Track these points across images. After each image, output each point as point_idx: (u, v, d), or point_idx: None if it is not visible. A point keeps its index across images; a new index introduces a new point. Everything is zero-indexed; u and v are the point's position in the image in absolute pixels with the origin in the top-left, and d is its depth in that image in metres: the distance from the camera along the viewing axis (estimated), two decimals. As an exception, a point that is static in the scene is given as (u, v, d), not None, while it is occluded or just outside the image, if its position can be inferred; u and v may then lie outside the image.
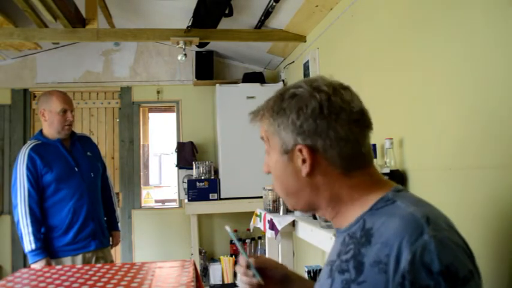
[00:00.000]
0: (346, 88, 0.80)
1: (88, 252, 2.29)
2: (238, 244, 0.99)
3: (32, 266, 2.11)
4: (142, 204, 4.13)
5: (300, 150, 0.77)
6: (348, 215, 0.79)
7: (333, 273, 0.76)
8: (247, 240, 3.87)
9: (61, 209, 2.25)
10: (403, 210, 0.70)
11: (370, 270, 0.68)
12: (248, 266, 0.96)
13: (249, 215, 2.64)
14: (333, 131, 0.75)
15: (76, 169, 2.31)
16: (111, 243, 2.55)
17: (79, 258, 2.26)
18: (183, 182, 3.89)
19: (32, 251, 2.12)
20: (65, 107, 2.29)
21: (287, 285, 1.00)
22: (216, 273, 3.70)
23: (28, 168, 2.18)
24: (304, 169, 0.78)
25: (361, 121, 0.78)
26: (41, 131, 2.34)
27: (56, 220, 2.24)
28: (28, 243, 2.12)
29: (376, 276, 0.66)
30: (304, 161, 0.77)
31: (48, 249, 2.19)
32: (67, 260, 2.23)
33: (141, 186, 4.12)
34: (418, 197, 0.78)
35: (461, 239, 0.69)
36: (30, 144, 2.26)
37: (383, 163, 1.70)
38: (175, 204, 4.22)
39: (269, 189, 2.19)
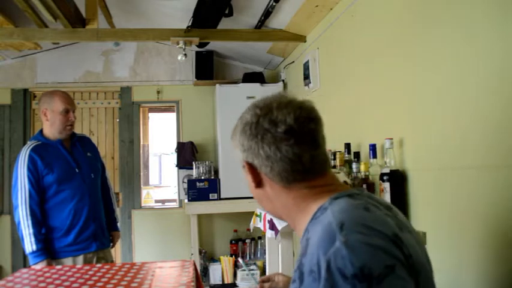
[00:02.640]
0: (286, 107, 0.83)
1: (89, 253, 2.29)
2: (248, 272, 1.20)
3: (33, 267, 2.09)
4: (142, 204, 4.13)
5: (244, 166, 0.88)
6: (302, 226, 0.84)
7: (290, 284, 0.82)
8: (247, 240, 3.87)
9: (62, 210, 2.23)
10: (326, 219, 0.74)
11: (307, 279, 0.72)
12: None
13: (249, 215, 2.64)
14: (262, 151, 0.83)
15: (77, 170, 2.30)
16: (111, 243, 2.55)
17: (80, 258, 2.25)
18: (183, 182, 3.89)
19: (33, 252, 2.11)
20: (67, 107, 2.28)
21: None
22: (216, 273, 3.70)
23: (29, 169, 2.17)
24: (252, 183, 0.88)
25: (291, 139, 0.81)
26: (41, 131, 2.33)
27: (57, 221, 2.23)
28: (29, 244, 2.11)
29: (312, 284, 0.70)
30: (250, 175, 0.87)
31: (49, 250, 2.19)
32: (68, 261, 2.22)
33: (141, 186, 4.12)
34: (357, 200, 0.79)
35: (382, 238, 0.69)
36: (30, 144, 2.24)
37: (383, 163, 1.70)
38: (175, 204, 4.22)
39: (269, 189, 2.19)
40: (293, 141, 0.81)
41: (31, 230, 2.12)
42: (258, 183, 0.88)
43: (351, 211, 0.75)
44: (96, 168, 2.45)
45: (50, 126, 2.28)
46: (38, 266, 2.08)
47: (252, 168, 0.87)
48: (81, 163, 2.34)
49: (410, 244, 0.73)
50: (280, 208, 0.88)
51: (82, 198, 2.29)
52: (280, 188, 0.85)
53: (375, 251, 0.67)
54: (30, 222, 2.13)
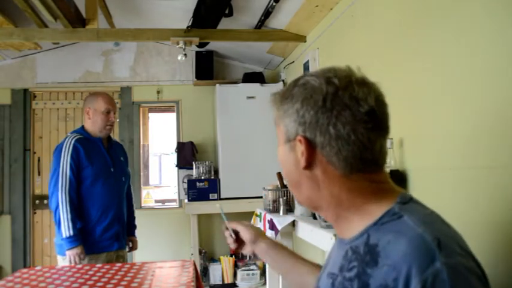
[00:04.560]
0: (365, 84, 0.73)
1: (110, 252, 2.33)
2: (223, 215, 1.25)
3: (67, 252, 2.13)
4: (142, 204, 4.13)
5: (300, 141, 0.74)
6: (351, 225, 0.75)
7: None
8: (247, 240, 3.86)
9: (92, 205, 2.28)
10: (412, 230, 0.65)
11: None
12: (227, 228, 1.16)
13: (249, 215, 2.64)
14: (333, 128, 0.70)
15: (112, 169, 2.36)
16: (129, 246, 2.61)
17: (102, 256, 2.28)
18: (183, 182, 3.89)
19: (70, 237, 2.14)
20: (109, 107, 2.37)
21: (256, 245, 1.10)
22: (216, 273, 3.70)
23: (72, 157, 2.22)
24: (302, 162, 0.74)
25: (370, 123, 0.71)
26: (82, 127, 2.40)
27: (85, 215, 2.26)
28: (66, 229, 2.14)
29: None
30: (302, 153, 0.74)
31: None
32: (91, 257, 2.23)
33: (141, 186, 4.13)
34: (425, 209, 0.73)
35: (475, 263, 0.66)
36: (74, 136, 2.30)
37: (383, 163, 1.70)
38: (175, 204, 4.22)
39: (269, 189, 2.19)
40: (371, 125, 0.71)
41: (69, 215, 2.16)
42: (310, 163, 0.74)
43: (435, 224, 0.68)
44: (126, 172, 2.53)
45: (91, 124, 2.36)
46: (73, 252, 2.13)
47: (310, 146, 0.73)
48: (116, 164, 2.41)
49: None
50: (326, 198, 0.75)
51: (112, 198, 2.34)
52: (338, 176, 0.73)
53: (473, 278, 0.62)
54: (68, 208, 2.17)
